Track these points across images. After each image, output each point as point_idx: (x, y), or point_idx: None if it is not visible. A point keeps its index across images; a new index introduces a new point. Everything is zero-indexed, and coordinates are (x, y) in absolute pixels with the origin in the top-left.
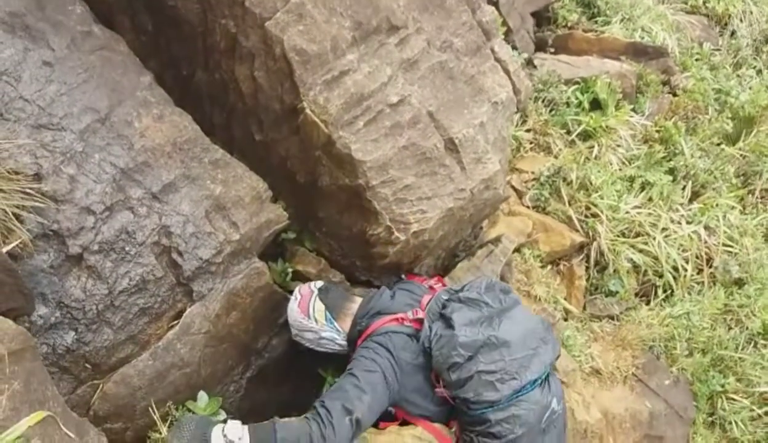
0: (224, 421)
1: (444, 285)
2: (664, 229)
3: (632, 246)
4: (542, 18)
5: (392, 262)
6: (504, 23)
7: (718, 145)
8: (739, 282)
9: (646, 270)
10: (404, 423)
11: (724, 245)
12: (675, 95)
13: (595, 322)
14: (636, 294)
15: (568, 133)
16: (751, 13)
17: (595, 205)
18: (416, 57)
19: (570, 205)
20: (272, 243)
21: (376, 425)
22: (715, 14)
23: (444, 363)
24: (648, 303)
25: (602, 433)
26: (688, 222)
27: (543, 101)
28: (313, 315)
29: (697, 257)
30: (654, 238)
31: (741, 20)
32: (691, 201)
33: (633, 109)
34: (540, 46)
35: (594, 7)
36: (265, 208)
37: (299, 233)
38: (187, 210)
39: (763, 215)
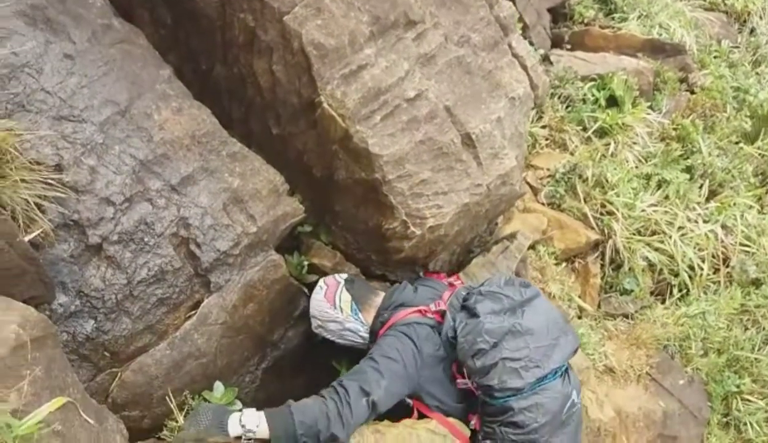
0: (240, 410)
1: (462, 282)
2: (680, 228)
3: (648, 244)
4: (558, 14)
5: (407, 257)
6: (520, 19)
7: (737, 143)
8: (756, 283)
9: (661, 269)
10: (420, 417)
11: (741, 245)
12: (693, 93)
13: (610, 320)
14: (651, 293)
15: (584, 129)
16: None
17: (611, 203)
18: (433, 52)
19: (585, 202)
20: (288, 236)
21: (391, 419)
22: (735, 11)
23: (469, 350)
24: (663, 302)
25: (615, 432)
26: (704, 221)
27: (559, 98)
28: (339, 305)
29: (713, 256)
30: (670, 237)
31: (760, 17)
32: (708, 200)
33: (650, 107)
34: (556, 43)
35: (611, 3)
36: (281, 201)
37: (315, 226)
38: (205, 202)
39: None
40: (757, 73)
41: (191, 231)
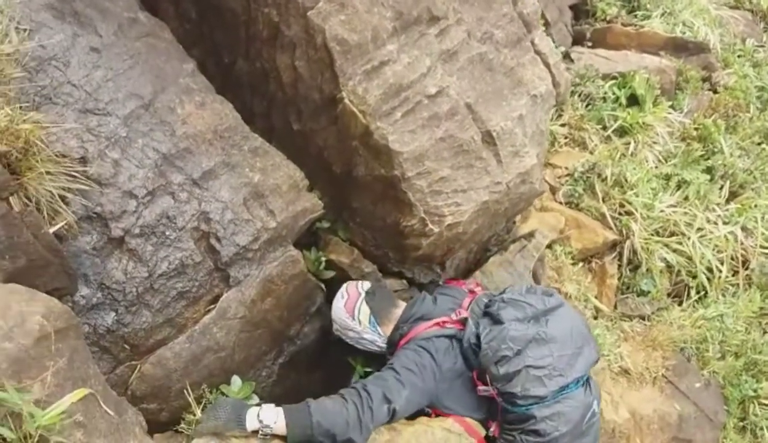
0: (258, 405)
1: (482, 289)
2: (699, 229)
3: (666, 245)
4: (580, 11)
5: (425, 254)
6: (541, 16)
7: (759, 144)
8: None
9: (679, 271)
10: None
11: (762, 247)
12: (715, 92)
13: (626, 322)
14: (668, 295)
15: (604, 128)
16: None
17: (630, 203)
18: (456, 48)
19: (604, 201)
20: (306, 232)
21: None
22: (760, 10)
23: (493, 357)
24: (680, 304)
25: (630, 433)
26: (724, 223)
27: (579, 96)
28: (358, 317)
29: (732, 258)
30: (689, 238)
31: None
32: (728, 201)
33: (671, 106)
34: (577, 40)
35: (634, 0)
36: (301, 197)
37: (333, 222)
38: (226, 197)
39: None
40: None
41: (212, 225)
